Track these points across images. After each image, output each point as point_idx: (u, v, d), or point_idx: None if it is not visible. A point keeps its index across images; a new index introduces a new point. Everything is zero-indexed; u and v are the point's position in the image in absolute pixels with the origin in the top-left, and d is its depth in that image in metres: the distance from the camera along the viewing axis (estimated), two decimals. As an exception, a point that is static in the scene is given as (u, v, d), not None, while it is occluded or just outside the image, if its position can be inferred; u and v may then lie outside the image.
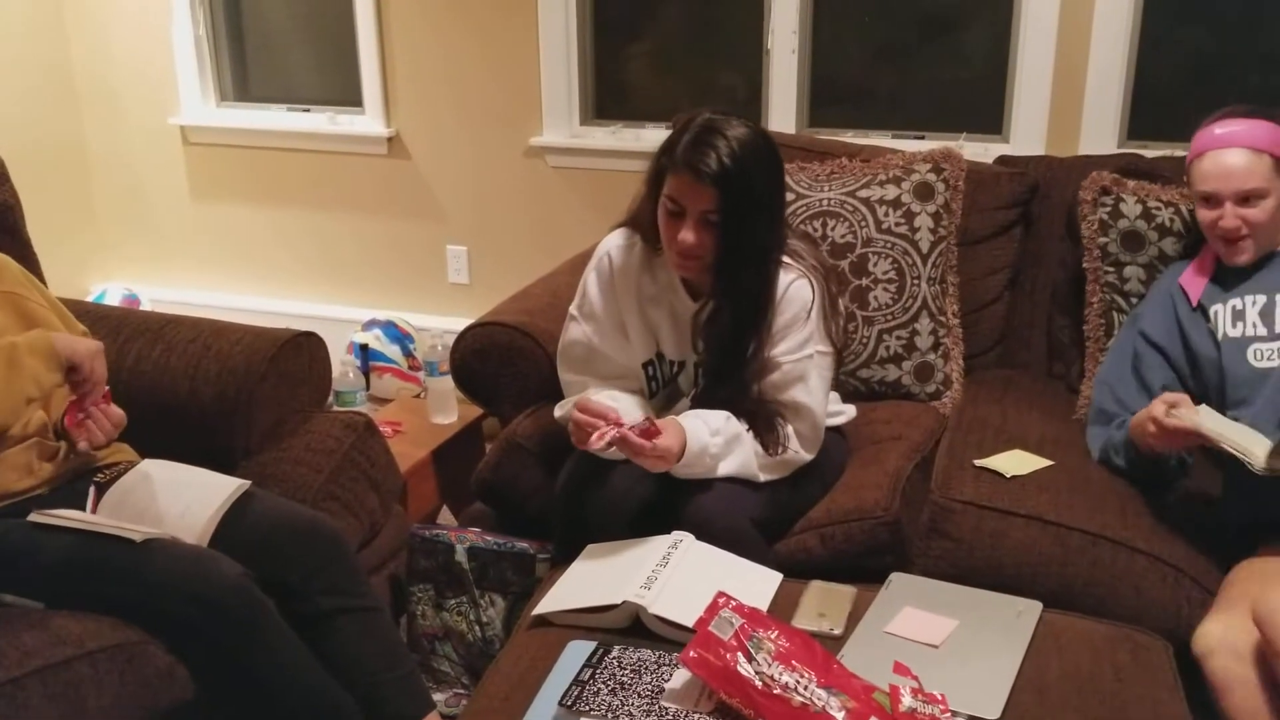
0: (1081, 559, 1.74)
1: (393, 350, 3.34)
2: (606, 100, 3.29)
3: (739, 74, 3.14)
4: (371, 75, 3.38)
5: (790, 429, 1.83)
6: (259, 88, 3.68)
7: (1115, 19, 2.67)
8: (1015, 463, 1.91)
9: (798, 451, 1.83)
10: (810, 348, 1.83)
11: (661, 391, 1.97)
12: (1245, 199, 1.84)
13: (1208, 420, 1.68)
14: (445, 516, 2.63)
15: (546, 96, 3.22)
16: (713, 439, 1.76)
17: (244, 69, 3.68)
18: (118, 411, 1.72)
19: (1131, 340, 1.99)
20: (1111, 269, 2.16)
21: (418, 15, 3.29)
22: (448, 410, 2.66)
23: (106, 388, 1.71)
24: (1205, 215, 1.90)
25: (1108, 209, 2.17)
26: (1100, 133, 2.74)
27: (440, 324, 3.27)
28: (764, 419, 1.81)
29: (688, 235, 1.73)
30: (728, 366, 1.82)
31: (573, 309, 1.97)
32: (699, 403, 1.88)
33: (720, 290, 1.80)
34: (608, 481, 1.76)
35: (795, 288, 1.81)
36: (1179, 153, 2.24)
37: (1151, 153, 2.44)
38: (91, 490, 1.75)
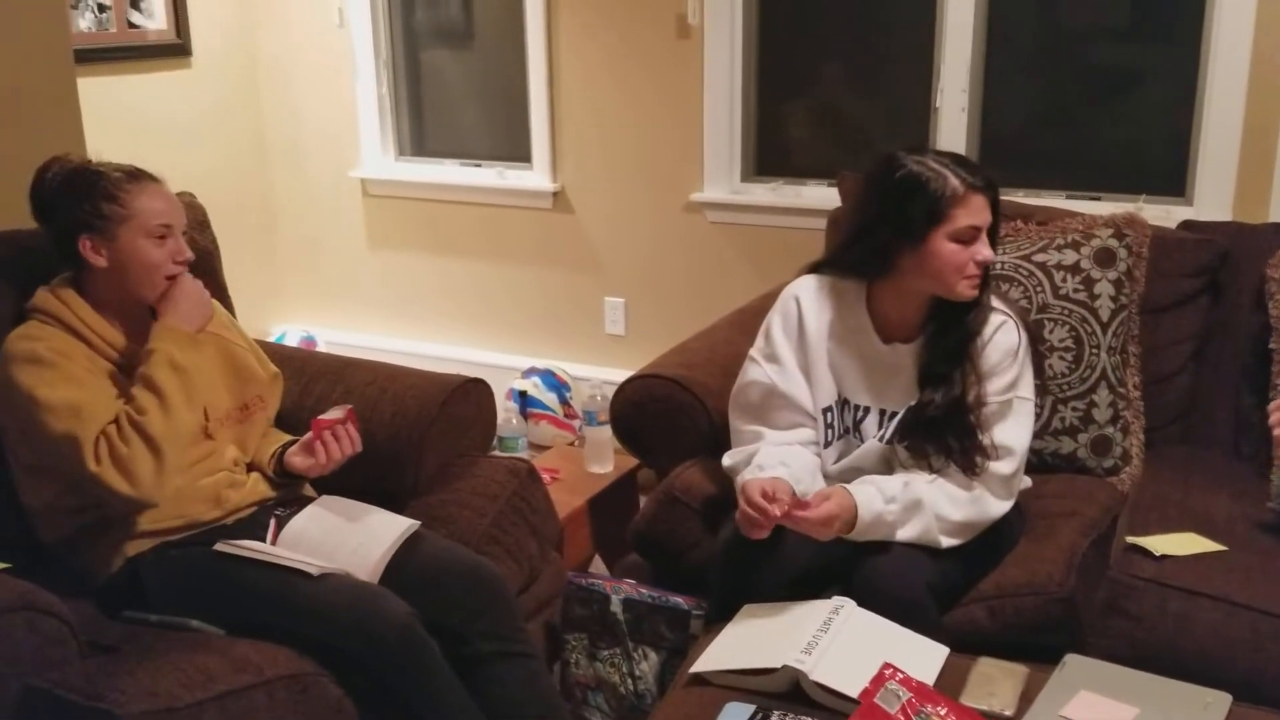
0: (1275, 647, 1.61)
1: (550, 398, 3.40)
2: (767, 157, 3.31)
3: (903, 132, 3.11)
4: (541, 133, 3.50)
5: (987, 467, 1.78)
6: (434, 143, 3.86)
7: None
8: (1177, 544, 1.79)
9: (991, 502, 1.78)
10: (1016, 391, 1.82)
11: (837, 441, 1.93)
12: None
13: None
14: (597, 566, 2.65)
15: (708, 153, 3.26)
16: (888, 506, 1.72)
17: (421, 126, 3.87)
18: (357, 439, 1.84)
19: None
20: None
21: (586, 75, 3.40)
22: (604, 460, 2.69)
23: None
24: None
25: None
26: (1296, 197, 2.58)
27: (596, 374, 3.32)
28: (964, 456, 1.78)
29: (987, 251, 1.78)
30: (938, 404, 1.80)
31: (753, 352, 1.95)
32: (903, 436, 1.84)
33: (937, 321, 1.83)
34: (774, 542, 1.72)
35: (1004, 330, 1.83)
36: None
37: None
38: (272, 523, 1.83)
